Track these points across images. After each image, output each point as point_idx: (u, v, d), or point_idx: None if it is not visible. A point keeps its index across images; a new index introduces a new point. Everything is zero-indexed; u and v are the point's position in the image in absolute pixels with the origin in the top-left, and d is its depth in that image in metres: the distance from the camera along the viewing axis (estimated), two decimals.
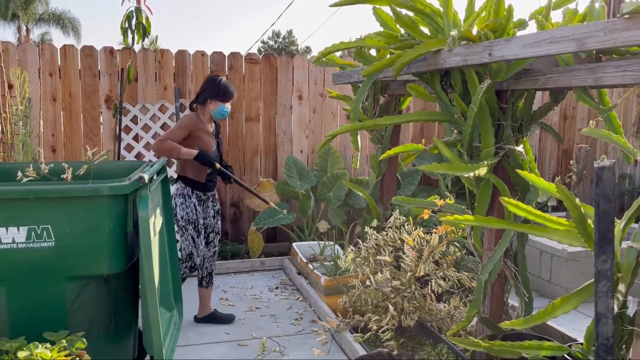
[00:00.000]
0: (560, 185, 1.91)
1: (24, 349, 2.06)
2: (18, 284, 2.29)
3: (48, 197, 2.27)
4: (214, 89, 3.50)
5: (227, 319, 3.68)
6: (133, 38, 4.92)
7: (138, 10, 4.90)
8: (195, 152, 3.38)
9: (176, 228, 3.46)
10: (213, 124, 3.65)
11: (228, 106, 3.56)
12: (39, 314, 2.32)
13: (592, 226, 1.78)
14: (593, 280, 1.70)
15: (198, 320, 3.66)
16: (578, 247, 2.00)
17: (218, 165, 3.50)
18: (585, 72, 1.95)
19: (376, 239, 3.36)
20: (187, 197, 3.48)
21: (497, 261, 2.47)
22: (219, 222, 3.74)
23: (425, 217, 3.37)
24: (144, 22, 4.91)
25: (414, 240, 3.23)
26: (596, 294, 1.68)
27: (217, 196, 3.72)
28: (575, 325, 3.31)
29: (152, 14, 4.96)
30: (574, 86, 2.04)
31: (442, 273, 3.22)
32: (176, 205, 3.48)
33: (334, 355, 3.20)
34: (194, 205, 3.48)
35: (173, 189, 3.96)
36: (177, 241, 4.85)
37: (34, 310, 2.32)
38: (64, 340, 2.15)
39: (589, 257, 4.04)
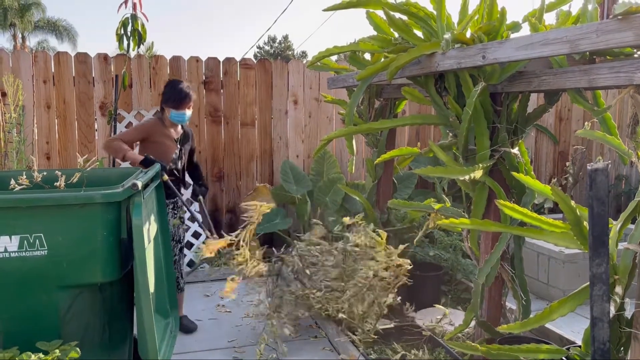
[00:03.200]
0: (555, 187, 1.91)
1: (17, 359, 2.04)
2: (10, 293, 2.26)
3: (40, 205, 2.25)
4: (165, 95, 3.41)
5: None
6: (128, 45, 4.91)
7: (134, 17, 4.89)
8: (140, 157, 3.23)
9: None
10: (180, 130, 3.54)
11: (182, 112, 3.39)
12: (31, 324, 2.29)
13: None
14: None
15: None
16: (575, 249, 1.99)
17: (166, 177, 3.15)
18: (579, 73, 1.95)
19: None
20: None
21: (494, 264, 2.46)
22: (180, 229, 3.56)
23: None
24: (139, 28, 4.90)
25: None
26: (591, 298, 1.67)
27: (179, 204, 3.53)
28: (573, 327, 3.29)
29: (147, 20, 4.96)
30: (568, 88, 2.04)
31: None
32: None
33: None
34: None
35: None
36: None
37: (27, 319, 2.29)
38: (57, 350, 2.14)
39: (586, 259, 4.00)
